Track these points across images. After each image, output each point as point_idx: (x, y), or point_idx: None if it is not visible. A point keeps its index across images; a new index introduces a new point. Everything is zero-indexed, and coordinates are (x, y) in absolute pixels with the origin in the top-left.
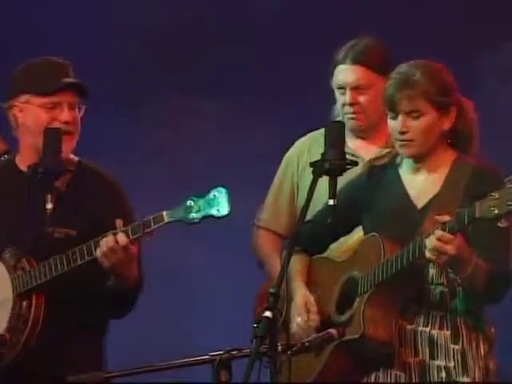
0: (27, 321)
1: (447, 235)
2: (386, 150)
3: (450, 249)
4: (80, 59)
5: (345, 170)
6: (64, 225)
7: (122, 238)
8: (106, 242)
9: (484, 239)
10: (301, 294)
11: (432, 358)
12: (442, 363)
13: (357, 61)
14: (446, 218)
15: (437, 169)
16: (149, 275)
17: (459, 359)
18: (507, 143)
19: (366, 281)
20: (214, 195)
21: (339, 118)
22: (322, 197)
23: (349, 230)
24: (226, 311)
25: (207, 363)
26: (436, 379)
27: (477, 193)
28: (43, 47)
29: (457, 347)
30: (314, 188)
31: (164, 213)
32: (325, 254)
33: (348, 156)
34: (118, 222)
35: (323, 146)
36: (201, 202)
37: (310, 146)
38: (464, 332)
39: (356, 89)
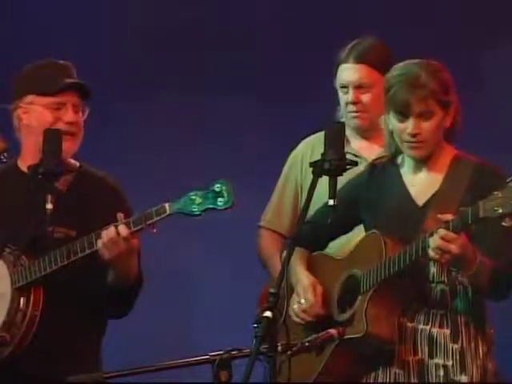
0: (25, 315)
1: (451, 234)
2: None
3: (453, 248)
4: (80, 59)
5: (345, 170)
6: (64, 225)
7: (123, 229)
8: (107, 233)
9: (488, 238)
10: (307, 278)
11: (431, 356)
12: (441, 361)
13: (360, 60)
14: (449, 216)
15: (437, 166)
16: (149, 275)
17: (458, 358)
18: (507, 143)
19: (367, 279)
20: (217, 187)
21: (343, 120)
22: (322, 197)
23: (348, 230)
24: (226, 311)
25: (207, 363)
26: (434, 377)
27: (480, 191)
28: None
29: (456, 346)
30: (314, 188)
31: (166, 205)
32: (325, 252)
33: (351, 156)
34: (119, 215)
35: None
36: (204, 194)
37: (313, 146)
38: (464, 331)
39: (359, 88)
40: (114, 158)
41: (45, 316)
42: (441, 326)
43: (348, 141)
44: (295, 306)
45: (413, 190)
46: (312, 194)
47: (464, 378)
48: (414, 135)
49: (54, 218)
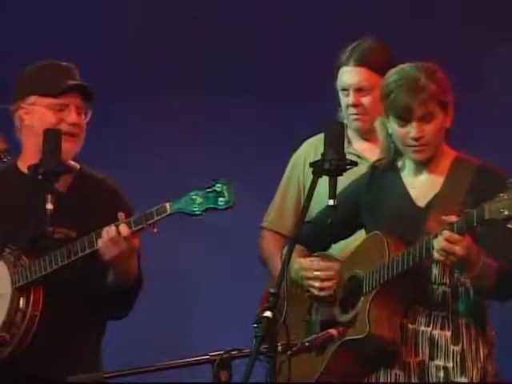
0: (25, 315)
1: (455, 236)
2: None
3: (458, 250)
4: (80, 59)
5: (344, 170)
6: (64, 224)
7: (124, 229)
8: (108, 232)
9: (493, 239)
10: (303, 259)
11: (431, 358)
12: (441, 363)
13: (360, 62)
14: (454, 218)
15: (438, 169)
16: (149, 275)
17: (458, 360)
18: (507, 143)
19: (370, 280)
20: (218, 187)
21: (345, 121)
22: (322, 197)
23: (350, 233)
24: (226, 311)
25: (207, 363)
26: (434, 379)
27: (481, 192)
28: (43, 47)
29: (457, 348)
30: (314, 188)
31: (167, 204)
32: (327, 252)
33: (354, 157)
34: (120, 215)
35: None
36: (204, 193)
37: (316, 148)
38: (465, 333)
39: (359, 90)
40: (113, 157)
41: (45, 316)
42: (442, 328)
43: (350, 142)
44: (316, 284)
45: (413, 192)
46: (312, 194)
47: (464, 380)
48: (417, 139)
49: (54, 218)
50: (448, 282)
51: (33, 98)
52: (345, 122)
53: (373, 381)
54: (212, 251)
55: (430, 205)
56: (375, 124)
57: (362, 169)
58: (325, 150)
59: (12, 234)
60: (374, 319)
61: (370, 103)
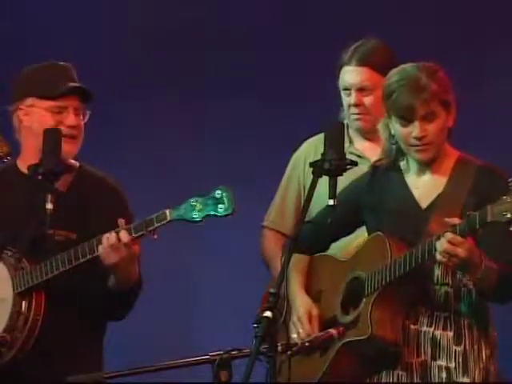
0: (27, 319)
1: (458, 238)
2: None
3: (460, 252)
4: (80, 59)
5: (345, 170)
6: (64, 226)
7: (124, 235)
8: (108, 238)
9: (495, 242)
10: (302, 305)
11: (434, 358)
12: (444, 363)
13: (362, 62)
14: (456, 220)
15: (441, 169)
16: (149, 275)
17: (460, 360)
18: (508, 143)
19: (372, 281)
20: (218, 194)
21: (346, 120)
22: (322, 197)
23: (350, 231)
24: (226, 311)
25: (207, 363)
26: (437, 379)
27: (483, 193)
28: (43, 47)
29: (459, 348)
30: (314, 188)
31: (167, 211)
32: (328, 253)
33: (355, 157)
34: (121, 221)
35: None
36: (204, 200)
37: (316, 147)
38: (467, 333)
39: (361, 90)
40: (113, 157)
41: (46, 319)
42: (444, 329)
43: (352, 142)
44: (295, 336)
45: (416, 193)
46: (312, 194)
47: (466, 381)
48: (420, 138)
49: (54, 219)
50: (450, 282)
51: (31, 100)
52: (346, 121)
53: (375, 382)
54: (212, 251)
55: (432, 206)
56: (378, 125)
57: (362, 169)
58: (325, 149)
59: (12, 234)
60: (376, 320)
61: (371, 103)
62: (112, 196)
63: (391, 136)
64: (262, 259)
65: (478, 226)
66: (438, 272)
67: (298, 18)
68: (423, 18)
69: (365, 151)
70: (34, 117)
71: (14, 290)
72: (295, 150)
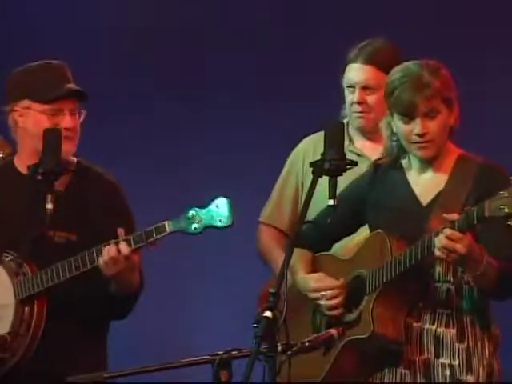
0: (29, 326)
1: (457, 234)
2: None
3: (459, 247)
4: (80, 59)
5: (345, 170)
6: (64, 226)
7: (124, 248)
8: (108, 251)
9: (494, 237)
10: (311, 276)
11: (437, 356)
12: (447, 361)
13: (368, 61)
14: (455, 216)
15: (442, 166)
16: (149, 275)
17: (464, 358)
18: (508, 143)
19: (373, 279)
20: (217, 206)
21: (347, 118)
22: (322, 197)
23: (352, 231)
24: (227, 311)
25: (207, 363)
26: (440, 377)
27: (484, 190)
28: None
29: (462, 346)
30: (314, 188)
31: (166, 223)
32: (330, 253)
33: (354, 155)
34: (120, 231)
35: None
36: (203, 212)
37: (315, 144)
38: (470, 330)
39: (365, 88)
40: (113, 158)
41: (47, 324)
42: (447, 326)
43: (352, 140)
44: (323, 303)
45: (417, 190)
46: (312, 194)
47: (470, 378)
48: (421, 135)
49: (54, 220)
50: (452, 279)
51: (27, 102)
52: (347, 119)
53: (378, 380)
54: (212, 251)
55: (433, 203)
56: (380, 124)
57: (361, 167)
58: (325, 149)
59: (12, 236)
60: (377, 318)
61: (374, 102)
62: (111, 194)
63: (393, 134)
64: (259, 254)
65: (475, 221)
66: (439, 269)
67: (298, 17)
68: (423, 17)
69: (364, 150)
70: (30, 119)
71: (15, 296)
72: (294, 147)
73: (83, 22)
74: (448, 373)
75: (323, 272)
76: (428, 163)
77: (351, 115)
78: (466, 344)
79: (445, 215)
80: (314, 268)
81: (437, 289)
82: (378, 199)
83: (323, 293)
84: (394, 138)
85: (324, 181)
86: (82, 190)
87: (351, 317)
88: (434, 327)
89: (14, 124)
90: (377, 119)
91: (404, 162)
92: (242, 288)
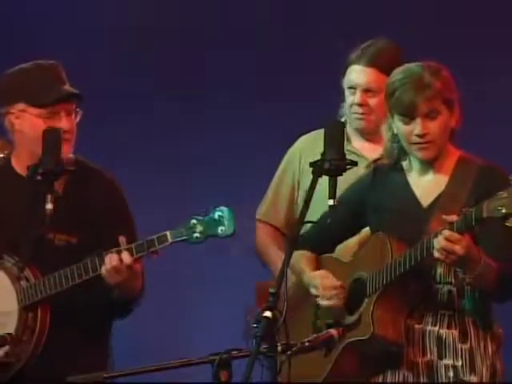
0: (33, 332)
1: (455, 235)
2: None
3: (458, 249)
4: (80, 59)
5: (345, 170)
6: (64, 228)
7: (126, 257)
8: (110, 260)
9: (493, 238)
10: (315, 272)
11: (440, 357)
12: (450, 362)
13: (370, 63)
14: (454, 217)
15: (443, 168)
16: (149, 275)
17: (467, 358)
18: (508, 143)
19: (373, 281)
20: (218, 215)
21: (345, 117)
22: (322, 197)
23: (354, 232)
24: (227, 311)
25: (207, 363)
26: (444, 378)
27: (484, 192)
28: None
29: (465, 346)
30: (314, 188)
31: (168, 233)
32: (332, 255)
33: (352, 155)
34: (122, 239)
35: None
36: (205, 221)
37: (312, 143)
38: (472, 331)
39: (367, 91)
40: (113, 158)
41: (50, 331)
42: (449, 327)
43: (349, 140)
44: (322, 302)
45: (418, 192)
46: (312, 194)
47: (474, 379)
48: (422, 136)
49: (54, 222)
50: (453, 281)
51: (22, 106)
52: (344, 118)
53: (380, 382)
54: (211, 251)
55: (433, 205)
56: (381, 127)
57: (360, 168)
58: (325, 149)
59: (11, 239)
60: (377, 320)
61: (376, 104)
62: (111, 193)
63: (394, 136)
64: (255, 252)
65: (474, 222)
66: (440, 271)
67: (297, 17)
68: (423, 17)
69: (362, 150)
70: (26, 122)
71: (18, 302)
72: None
73: (83, 21)
74: (451, 374)
75: None
76: (428, 165)
77: (351, 116)
78: (468, 344)
79: (444, 216)
80: (316, 269)
81: (438, 290)
82: (379, 201)
83: (323, 292)
84: (395, 140)
85: (324, 181)
86: (81, 189)
87: (352, 319)
88: (437, 328)
89: (10, 126)
90: (377, 121)
91: (404, 163)
92: (242, 288)
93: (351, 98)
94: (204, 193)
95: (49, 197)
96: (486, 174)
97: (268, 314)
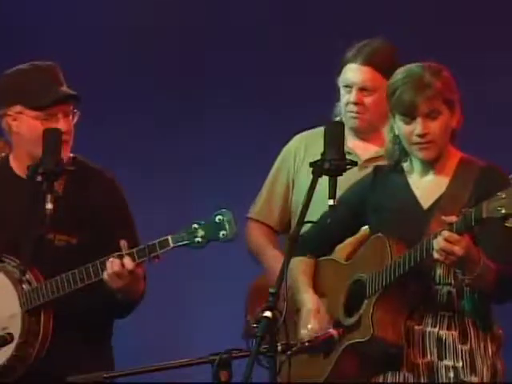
0: (37, 335)
1: (454, 236)
2: (383, 152)
3: (457, 249)
4: (80, 59)
5: (345, 170)
6: (64, 229)
7: (128, 262)
8: (112, 265)
9: (493, 239)
10: (312, 302)
11: (440, 358)
12: (450, 363)
13: (367, 62)
14: (453, 218)
15: (443, 169)
16: (149, 275)
17: (467, 359)
18: (508, 143)
19: (373, 283)
20: (219, 219)
21: (340, 117)
22: (322, 197)
23: (354, 232)
24: (227, 311)
25: (207, 363)
26: (444, 379)
27: (486, 193)
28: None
29: (465, 347)
30: (314, 188)
31: (169, 237)
32: (331, 257)
33: (346, 155)
34: (123, 244)
35: (321, 145)
36: (206, 226)
37: (308, 142)
38: (472, 332)
39: (362, 90)
40: (113, 158)
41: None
42: (449, 328)
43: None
44: (303, 331)
45: (418, 193)
46: (312, 194)
47: (474, 379)
48: (422, 135)
49: (54, 223)
50: (453, 282)
51: (19, 108)
52: (339, 117)
53: (380, 382)
54: (211, 250)
55: (434, 206)
56: (383, 128)
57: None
58: (325, 149)
59: (12, 237)
60: (377, 322)
61: (371, 103)
62: (111, 193)
63: (395, 137)
64: (249, 251)
65: (473, 223)
66: (439, 272)
67: (298, 17)
68: (423, 17)
69: (355, 149)
70: (24, 124)
71: (21, 306)
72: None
73: (83, 21)
74: (452, 375)
75: (324, 276)
76: (429, 166)
77: (346, 114)
78: (468, 345)
79: (443, 217)
80: (315, 272)
81: (438, 291)
82: (379, 202)
83: (310, 325)
84: (397, 141)
85: (324, 181)
86: (81, 189)
87: (351, 320)
88: (436, 330)
89: (7, 128)
90: (371, 120)
91: (405, 165)
92: (242, 288)
93: (347, 97)
94: (204, 193)
95: (49, 197)
96: (487, 174)
97: (268, 313)
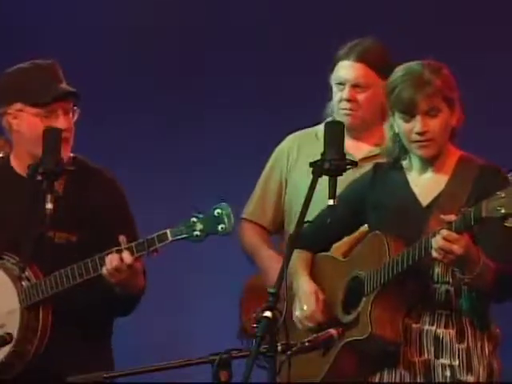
0: (36, 331)
1: (453, 235)
2: (376, 151)
3: (456, 248)
4: (80, 59)
5: (345, 170)
6: (64, 226)
7: (127, 257)
8: (111, 260)
9: (492, 239)
10: (309, 285)
11: (437, 357)
12: (447, 362)
13: (359, 59)
14: (452, 217)
15: (443, 167)
16: (149, 275)
17: (464, 358)
18: (508, 143)
19: (371, 280)
20: (218, 213)
21: (332, 116)
22: (322, 197)
23: (352, 231)
24: (227, 311)
25: (207, 363)
26: (440, 378)
27: (485, 192)
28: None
29: (462, 346)
30: (314, 188)
31: (168, 231)
32: (329, 253)
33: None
34: (122, 239)
35: (315, 145)
36: (204, 219)
37: (300, 142)
38: (469, 331)
39: (355, 86)
40: (113, 158)
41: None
42: (446, 327)
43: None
44: (297, 313)
45: (417, 191)
46: (312, 194)
47: (471, 378)
48: (422, 133)
49: (54, 221)
50: (451, 280)
51: (19, 105)
52: (332, 117)
53: (376, 381)
54: (211, 250)
55: (433, 204)
56: (384, 126)
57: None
58: (325, 149)
59: (12, 237)
60: (375, 320)
61: (364, 100)
62: (111, 193)
63: (395, 135)
64: (244, 252)
65: (472, 222)
66: (438, 270)
67: (298, 18)
68: (423, 18)
69: (348, 148)
70: (24, 122)
71: (20, 303)
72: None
73: (83, 21)
74: (448, 373)
75: (322, 273)
76: (429, 164)
77: (339, 112)
78: (465, 344)
79: (442, 216)
80: (313, 269)
81: (436, 290)
82: (378, 199)
83: (305, 306)
84: (397, 139)
85: (324, 181)
86: (81, 188)
87: (349, 318)
88: (434, 328)
89: (8, 126)
90: (364, 117)
91: (405, 162)
92: (241, 282)
93: (339, 94)
94: (204, 193)
95: (49, 196)
96: (486, 173)
97: (268, 313)
